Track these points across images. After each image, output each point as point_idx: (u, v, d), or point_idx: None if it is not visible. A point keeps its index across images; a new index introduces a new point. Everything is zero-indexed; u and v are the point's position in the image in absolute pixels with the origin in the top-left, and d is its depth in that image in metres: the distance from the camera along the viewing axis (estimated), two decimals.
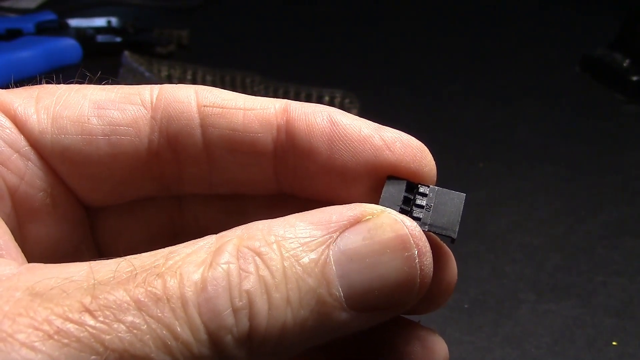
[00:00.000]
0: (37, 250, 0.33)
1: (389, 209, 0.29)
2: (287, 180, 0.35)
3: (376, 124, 0.33)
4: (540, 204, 0.84)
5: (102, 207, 0.36)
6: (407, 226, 0.28)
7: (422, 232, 0.29)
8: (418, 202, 0.32)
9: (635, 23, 1.11)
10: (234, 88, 1.08)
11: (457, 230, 0.31)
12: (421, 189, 0.32)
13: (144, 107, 0.33)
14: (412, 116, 1.05)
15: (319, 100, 1.02)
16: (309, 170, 0.33)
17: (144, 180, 0.34)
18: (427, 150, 0.33)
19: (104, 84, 0.34)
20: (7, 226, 0.31)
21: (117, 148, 0.33)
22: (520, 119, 1.04)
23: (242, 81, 1.07)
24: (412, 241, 0.28)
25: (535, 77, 1.17)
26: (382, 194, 0.32)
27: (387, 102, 1.08)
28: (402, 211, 0.31)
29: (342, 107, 1.01)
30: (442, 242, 0.34)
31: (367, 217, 0.28)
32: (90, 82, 0.35)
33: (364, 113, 0.96)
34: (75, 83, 0.34)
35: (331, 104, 1.01)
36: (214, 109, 0.33)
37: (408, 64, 1.21)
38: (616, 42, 1.12)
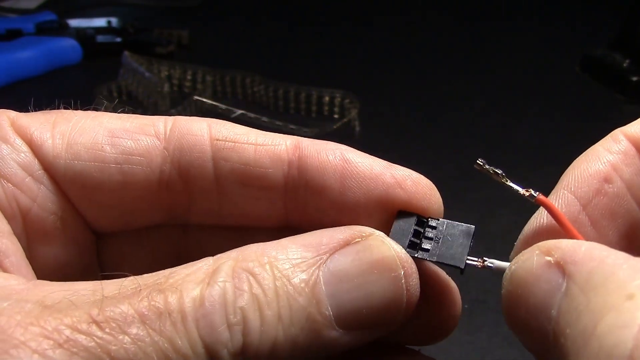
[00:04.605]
0: (44, 271, 0.33)
1: (377, 232, 0.31)
2: (297, 215, 0.35)
3: (386, 162, 0.34)
4: None
5: (109, 233, 0.36)
6: (394, 248, 0.30)
7: (409, 255, 0.31)
8: (427, 234, 0.33)
9: (635, 23, 1.11)
10: (233, 88, 1.08)
11: (465, 260, 0.33)
12: (431, 222, 0.34)
13: (157, 138, 0.34)
14: (412, 116, 1.05)
15: (319, 100, 1.02)
16: (320, 205, 0.34)
17: (153, 209, 0.35)
18: (435, 188, 0.34)
19: (119, 112, 0.35)
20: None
21: (129, 177, 0.34)
22: (520, 119, 1.04)
23: (242, 81, 1.07)
24: (398, 262, 0.30)
25: (535, 77, 1.17)
26: (393, 227, 0.33)
27: (387, 102, 1.08)
28: (412, 243, 0.33)
29: (342, 107, 1.01)
30: (448, 277, 0.35)
31: (357, 240, 0.30)
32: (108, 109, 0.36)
33: (364, 113, 0.96)
34: (93, 109, 0.35)
35: (331, 104, 1.01)
36: (227, 143, 0.34)
37: (408, 64, 1.21)
38: (616, 42, 1.12)
